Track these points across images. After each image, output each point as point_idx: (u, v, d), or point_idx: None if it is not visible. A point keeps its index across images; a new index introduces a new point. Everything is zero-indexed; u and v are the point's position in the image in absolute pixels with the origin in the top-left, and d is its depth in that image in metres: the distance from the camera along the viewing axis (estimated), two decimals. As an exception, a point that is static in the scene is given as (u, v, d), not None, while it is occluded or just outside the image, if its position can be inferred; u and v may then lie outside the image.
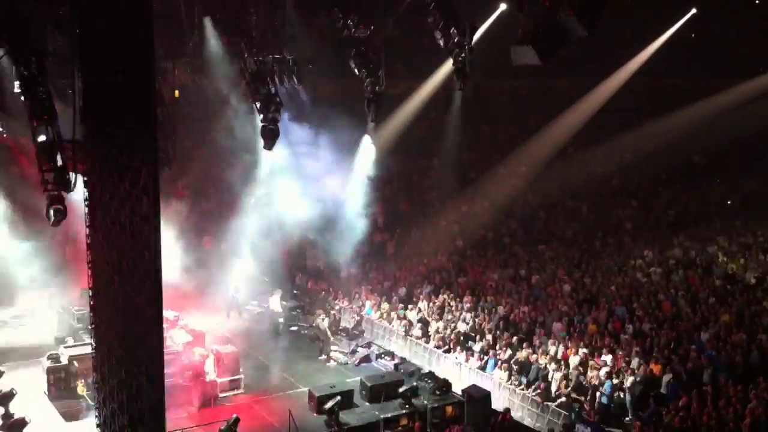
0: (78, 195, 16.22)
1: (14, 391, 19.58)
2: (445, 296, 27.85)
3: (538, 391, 20.70)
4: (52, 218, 16.58)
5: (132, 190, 12.81)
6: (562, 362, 21.69)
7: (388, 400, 21.02)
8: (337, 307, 28.95)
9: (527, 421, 20.23)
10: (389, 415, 19.97)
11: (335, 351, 25.72)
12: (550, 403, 20.07)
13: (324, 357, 25.30)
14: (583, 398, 19.97)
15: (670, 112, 33.72)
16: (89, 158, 15.12)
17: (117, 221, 13.76)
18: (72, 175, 15.88)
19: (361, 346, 25.72)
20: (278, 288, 29.85)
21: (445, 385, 21.85)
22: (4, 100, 23.43)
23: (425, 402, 20.84)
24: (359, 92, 23.09)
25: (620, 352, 21.65)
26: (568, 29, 11.04)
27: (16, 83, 16.22)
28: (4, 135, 28.15)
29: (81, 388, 21.35)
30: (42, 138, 15.61)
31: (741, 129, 32.09)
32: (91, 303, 16.34)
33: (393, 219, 36.75)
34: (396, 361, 24.58)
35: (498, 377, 21.83)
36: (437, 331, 25.14)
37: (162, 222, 13.01)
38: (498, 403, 20.80)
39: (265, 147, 23.56)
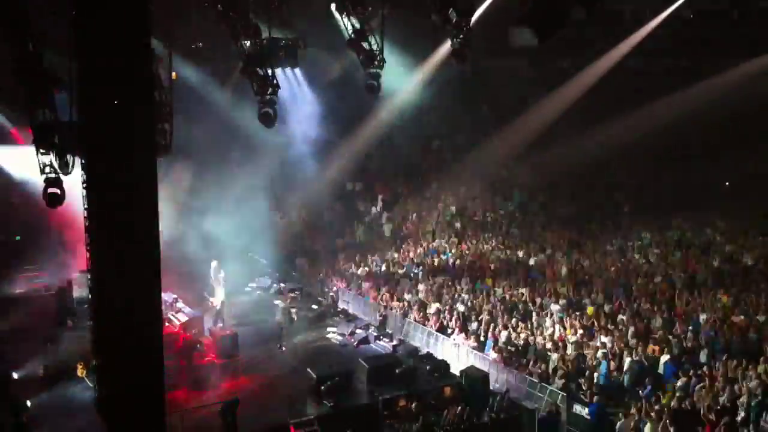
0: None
1: (14, 376, 19.62)
2: (443, 278, 27.90)
3: (537, 372, 20.80)
4: (49, 201, 16.60)
5: (130, 174, 12.81)
6: (560, 343, 21.77)
7: (387, 381, 21.09)
8: (335, 289, 29.00)
9: (525, 402, 20.31)
10: (388, 397, 20.01)
11: (333, 332, 25.80)
12: (547, 384, 20.16)
13: (284, 349, 24.17)
14: (580, 379, 20.06)
15: (668, 93, 33.57)
16: (87, 141, 15.09)
17: (115, 205, 13.76)
18: (70, 158, 15.88)
19: (360, 328, 25.77)
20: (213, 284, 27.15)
21: (443, 367, 21.94)
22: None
23: (424, 383, 20.94)
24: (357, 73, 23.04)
25: (618, 333, 21.74)
26: (568, 10, 10.96)
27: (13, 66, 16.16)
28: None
29: (80, 371, 21.39)
30: (39, 121, 15.60)
31: (740, 110, 31.94)
32: (90, 286, 16.36)
33: (391, 201, 36.77)
34: (394, 342, 24.64)
35: (496, 358, 21.91)
36: (435, 313, 25.20)
37: (160, 204, 13.04)
38: (496, 384, 20.90)
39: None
